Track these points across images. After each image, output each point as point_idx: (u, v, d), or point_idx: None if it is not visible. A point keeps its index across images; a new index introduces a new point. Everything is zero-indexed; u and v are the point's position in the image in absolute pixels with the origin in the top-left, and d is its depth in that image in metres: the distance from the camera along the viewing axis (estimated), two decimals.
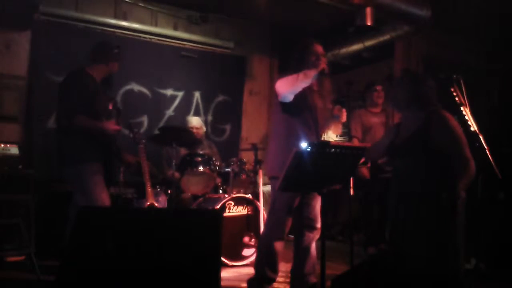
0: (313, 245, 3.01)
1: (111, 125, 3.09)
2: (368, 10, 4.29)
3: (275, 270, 2.94)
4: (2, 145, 3.58)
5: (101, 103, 3.10)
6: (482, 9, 4.59)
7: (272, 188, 3.04)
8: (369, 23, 4.33)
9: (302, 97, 2.91)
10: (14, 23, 4.46)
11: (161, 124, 5.13)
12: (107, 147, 3.11)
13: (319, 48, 3.03)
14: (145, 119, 5.14)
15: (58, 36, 4.54)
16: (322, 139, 6.13)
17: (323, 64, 2.86)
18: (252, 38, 5.93)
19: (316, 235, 3.00)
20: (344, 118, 3.08)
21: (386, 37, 5.07)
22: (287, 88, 2.85)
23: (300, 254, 3.00)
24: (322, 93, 3.05)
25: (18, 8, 4.41)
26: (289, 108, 2.93)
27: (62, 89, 3.10)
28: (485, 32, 5.23)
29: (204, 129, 4.84)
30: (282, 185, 2.33)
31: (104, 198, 2.97)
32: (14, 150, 3.65)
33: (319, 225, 2.97)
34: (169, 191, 4.12)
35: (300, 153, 2.18)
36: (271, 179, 3.00)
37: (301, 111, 2.94)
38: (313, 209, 2.99)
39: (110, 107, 3.20)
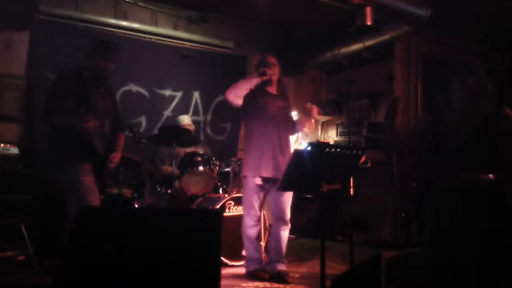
0: (282, 234, 3.48)
1: (85, 124, 2.93)
2: (368, 10, 4.29)
3: (258, 251, 3.51)
4: (2, 145, 3.59)
5: (88, 101, 3.02)
6: (482, 9, 4.59)
7: (242, 186, 3.55)
8: (369, 23, 4.33)
9: (252, 99, 3.44)
10: (14, 22, 4.46)
11: (159, 124, 5.13)
12: (92, 147, 3.00)
13: (271, 59, 3.52)
14: (143, 120, 5.14)
15: (58, 36, 4.54)
16: (322, 139, 6.16)
17: (265, 69, 3.41)
18: (252, 38, 5.93)
19: (285, 226, 3.49)
20: (315, 113, 3.55)
21: (386, 37, 5.07)
22: (231, 92, 3.39)
23: (271, 240, 3.55)
24: (282, 95, 3.57)
25: (18, 8, 4.41)
26: (242, 112, 3.48)
27: (49, 90, 3.08)
28: (485, 32, 5.23)
29: (194, 126, 4.86)
30: (282, 184, 2.33)
31: (91, 199, 2.90)
32: (14, 150, 3.66)
33: (287, 218, 3.49)
34: (169, 191, 4.12)
35: (299, 153, 2.18)
36: (242, 178, 3.56)
37: (255, 113, 3.44)
38: (281, 204, 3.46)
39: (101, 105, 3.13)
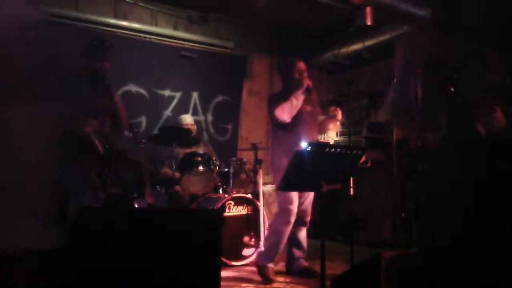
0: (303, 234, 3.61)
1: (85, 127, 2.97)
2: (368, 10, 4.29)
3: (278, 251, 3.43)
4: None
5: (87, 102, 3.04)
6: (482, 9, 4.58)
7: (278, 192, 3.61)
8: (369, 23, 4.33)
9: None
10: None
11: (159, 124, 5.13)
12: (93, 148, 3.02)
13: (302, 65, 3.54)
14: (143, 120, 5.14)
15: (58, 35, 4.53)
16: (322, 139, 6.19)
17: (307, 81, 3.42)
18: (252, 38, 5.93)
19: (306, 226, 3.63)
20: (339, 116, 3.63)
21: (386, 37, 5.07)
22: (287, 115, 3.37)
23: (291, 241, 3.58)
24: (310, 100, 3.54)
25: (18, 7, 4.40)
26: (286, 126, 3.44)
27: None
28: (485, 32, 5.22)
29: (195, 126, 4.86)
30: (282, 184, 2.33)
31: (92, 199, 2.93)
32: None
33: (308, 219, 3.60)
34: (169, 191, 4.12)
35: (300, 153, 2.18)
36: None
37: (294, 124, 3.43)
38: (303, 206, 3.54)
39: (100, 105, 3.13)
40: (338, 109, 3.62)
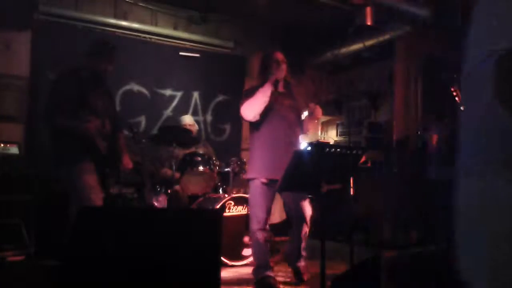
0: (305, 235, 3.35)
1: (88, 125, 2.97)
2: (368, 10, 4.30)
3: (266, 256, 3.24)
4: (2, 145, 3.59)
5: (88, 102, 3.05)
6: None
7: (249, 188, 3.31)
8: (369, 23, 4.33)
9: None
10: (14, 22, 4.46)
11: (159, 124, 5.13)
12: (95, 147, 3.03)
13: (279, 56, 3.26)
14: (143, 119, 5.14)
15: (58, 35, 4.54)
16: (322, 139, 6.16)
17: (278, 72, 3.16)
18: (252, 38, 5.93)
19: (306, 226, 3.33)
20: (319, 114, 3.33)
21: (386, 37, 5.07)
22: (252, 112, 3.10)
23: (292, 239, 3.41)
24: (289, 93, 3.32)
25: (18, 7, 4.41)
26: (257, 124, 3.20)
27: (48, 92, 3.10)
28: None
29: (197, 127, 4.85)
30: (282, 185, 2.33)
31: (94, 198, 2.92)
32: (14, 150, 3.66)
33: (307, 219, 3.31)
34: (169, 191, 4.12)
35: (299, 153, 2.19)
36: (248, 181, 3.32)
37: (268, 118, 3.17)
38: (300, 206, 3.28)
39: (100, 105, 3.14)
40: (317, 106, 3.33)
